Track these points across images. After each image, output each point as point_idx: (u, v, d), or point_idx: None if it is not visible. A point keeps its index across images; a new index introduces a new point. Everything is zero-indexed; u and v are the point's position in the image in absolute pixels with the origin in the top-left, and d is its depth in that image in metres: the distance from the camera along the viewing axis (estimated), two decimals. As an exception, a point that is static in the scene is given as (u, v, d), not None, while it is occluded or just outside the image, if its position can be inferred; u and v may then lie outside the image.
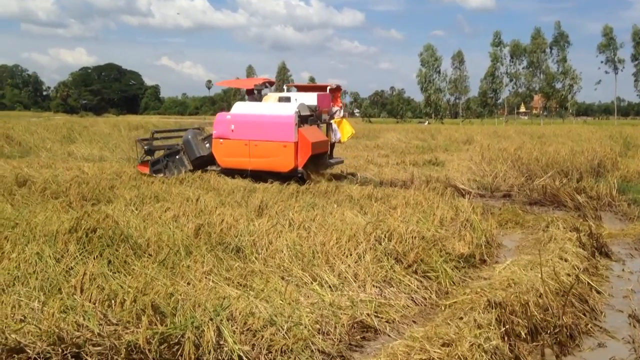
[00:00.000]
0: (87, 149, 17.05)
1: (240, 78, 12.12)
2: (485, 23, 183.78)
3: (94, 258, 4.99)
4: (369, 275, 5.11)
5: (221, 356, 3.53)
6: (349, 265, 5.28)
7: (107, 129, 24.63)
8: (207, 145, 11.86)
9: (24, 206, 7.80)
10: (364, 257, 5.40)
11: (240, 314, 3.88)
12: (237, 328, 3.75)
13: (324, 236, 5.96)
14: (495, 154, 12.55)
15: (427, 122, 67.68)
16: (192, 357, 3.45)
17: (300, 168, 10.82)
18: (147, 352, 3.43)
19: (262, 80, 12.66)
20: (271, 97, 12.07)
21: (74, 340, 3.52)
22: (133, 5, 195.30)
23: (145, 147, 12.33)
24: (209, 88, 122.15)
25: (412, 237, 5.69)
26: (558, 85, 71.24)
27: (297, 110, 10.97)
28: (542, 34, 71.79)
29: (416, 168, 14.15)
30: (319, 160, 11.59)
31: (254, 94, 12.20)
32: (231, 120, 11.42)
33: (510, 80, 73.61)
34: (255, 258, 5.49)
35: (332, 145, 12.48)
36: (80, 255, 4.99)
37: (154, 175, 11.39)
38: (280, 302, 4.34)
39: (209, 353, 3.50)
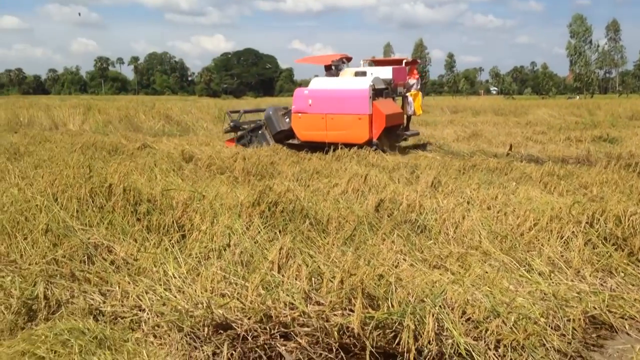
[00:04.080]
0: (238, 128, 17.52)
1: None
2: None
3: (279, 232, 4.81)
4: (584, 263, 4.42)
5: (443, 349, 3.09)
6: (556, 250, 4.62)
7: (252, 110, 25.37)
8: (287, 120, 12.34)
9: (193, 180, 7.95)
10: (573, 241, 4.69)
11: (456, 302, 3.41)
12: (455, 318, 3.28)
13: (517, 216, 5.34)
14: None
15: (577, 97, 62.53)
16: (412, 347, 3.04)
17: (375, 140, 11.04)
18: (361, 336, 3.08)
19: (339, 56, 12.78)
20: (348, 72, 12.29)
21: (281, 319, 3.27)
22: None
23: (231, 124, 13.10)
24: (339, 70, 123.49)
25: (634, 220, 4.84)
26: None
27: (372, 83, 11.16)
28: None
29: (585, 145, 12.77)
30: (394, 132, 11.85)
31: (332, 70, 12.48)
32: (309, 95, 11.77)
33: (676, 50, 65.59)
34: (444, 238, 5.01)
35: (409, 117, 12.64)
36: (264, 229, 4.82)
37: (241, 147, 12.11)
38: (489, 289, 3.81)
39: (429, 344, 3.07)
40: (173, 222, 4.89)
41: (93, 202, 5.38)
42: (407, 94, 12.42)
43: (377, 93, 11.25)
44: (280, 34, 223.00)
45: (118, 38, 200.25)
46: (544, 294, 3.85)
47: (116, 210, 5.14)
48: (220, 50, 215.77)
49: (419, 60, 13.23)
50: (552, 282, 4.09)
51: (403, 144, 12.95)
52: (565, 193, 6.81)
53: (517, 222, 5.20)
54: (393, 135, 11.87)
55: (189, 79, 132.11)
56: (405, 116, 12.40)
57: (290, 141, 12.18)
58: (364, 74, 11.94)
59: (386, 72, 11.94)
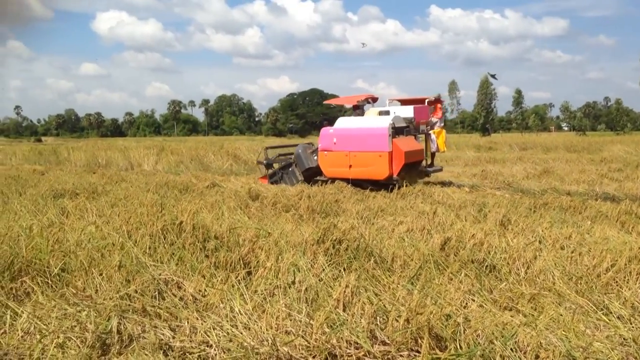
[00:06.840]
0: (303, 167, 17.78)
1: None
2: None
3: (343, 270, 4.80)
4: (668, 306, 4.14)
5: (515, 394, 2.96)
6: (636, 293, 4.36)
7: (317, 148, 25.71)
8: (315, 157, 12.86)
9: (259, 218, 8.08)
10: (655, 283, 4.42)
11: (528, 346, 3.27)
12: (528, 361, 3.14)
13: (592, 257, 5.10)
14: None
15: (655, 133, 59.60)
16: (481, 392, 2.93)
17: (395, 176, 11.39)
18: (428, 380, 3.00)
19: (364, 96, 13.38)
20: (372, 111, 12.83)
21: (345, 358, 3.24)
22: (329, 34, 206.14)
23: (265, 162, 13.90)
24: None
25: None
26: None
27: (392, 122, 11.63)
28: None
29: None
30: (414, 168, 12.23)
31: (358, 110, 13.14)
32: (333, 134, 12.33)
33: None
34: (515, 279, 4.83)
35: (433, 154, 13.11)
36: (329, 266, 4.82)
37: (273, 185, 12.77)
38: (564, 332, 3.62)
39: (500, 389, 2.95)
40: (239, 258, 4.97)
41: (164, 239, 5.57)
42: (431, 132, 12.86)
43: (397, 131, 11.70)
44: (344, 74, 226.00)
45: (190, 82, 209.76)
46: (624, 339, 3.62)
47: (186, 246, 5.30)
48: (285, 91, 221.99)
49: (442, 99, 13.76)
50: (632, 327, 3.85)
51: (468, 182, 12.70)
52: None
53: (593, 263, 4.97)
54: (414, 170, 12.24)
55: (256, 119, 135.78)
56: (429, 153, 12.89)
57: (318, 178, 12.69)
58: (387, 113, 12.42)
59: (408, 111, 12.41)
